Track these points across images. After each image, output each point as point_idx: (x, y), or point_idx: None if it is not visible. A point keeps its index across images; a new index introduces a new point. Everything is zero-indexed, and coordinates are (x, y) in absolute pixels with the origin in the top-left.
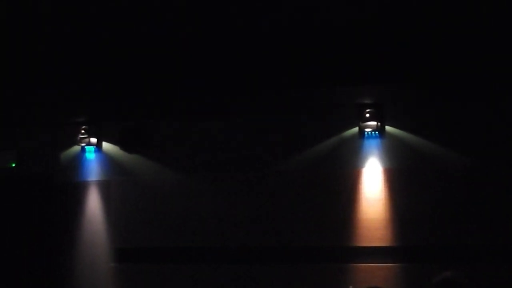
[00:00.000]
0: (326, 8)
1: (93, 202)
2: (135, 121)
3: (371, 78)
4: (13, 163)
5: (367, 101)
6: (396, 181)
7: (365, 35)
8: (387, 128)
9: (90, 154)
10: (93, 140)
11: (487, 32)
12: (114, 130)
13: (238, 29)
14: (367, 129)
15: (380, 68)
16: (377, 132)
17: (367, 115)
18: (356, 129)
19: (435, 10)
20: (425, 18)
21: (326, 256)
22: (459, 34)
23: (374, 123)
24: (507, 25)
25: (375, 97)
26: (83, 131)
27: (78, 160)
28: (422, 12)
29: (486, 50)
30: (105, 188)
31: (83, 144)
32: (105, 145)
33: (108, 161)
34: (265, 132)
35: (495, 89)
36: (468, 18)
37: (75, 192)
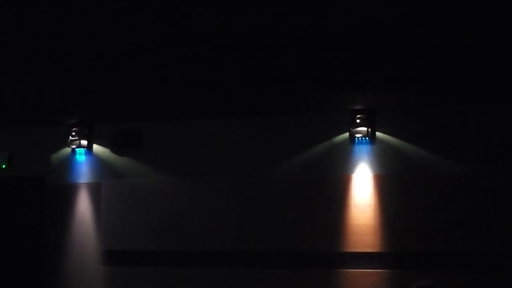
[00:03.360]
0: (320, 13)
1: (84, 204)
2: (126, 123)
3: (362, 84)
4: (4, 164)
5: (358, 106)
6: (386, 187)
7: (358, 41)
8: (378, 134)
9: (81, 156)
10: (84, 142)
11: (478, 41)
12: (105, 132)
13: (231, 32)
14: (357, 135)
15: (372, 74)
16: (367, 138)
17: (358, 120)
18: (346, 134)
19: (427, 17)
20: (417, 25)
21: (315, 262)
22: (451, 42)
23: (364, 128)
24: (498, 35)
25: (366, 103)
26: (73, 133)
27: (69, 162)
28: (415, 20)
29: (476, 58)
30: (96, 190)
31: (73, 146)
32: (96, 147)
33: (98, 163)
34: (255, 136)
35: (486, 96)
36: (460, 26)
37: (65, 194)
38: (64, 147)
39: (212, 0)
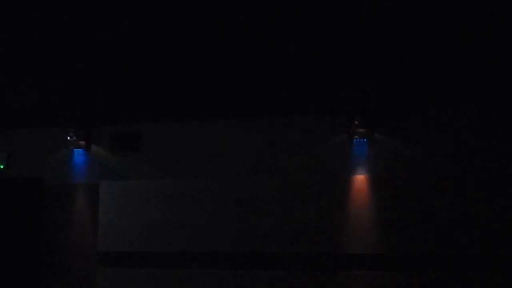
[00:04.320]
0: (320, 13)
1: (82, 205)
2: (125, 124)
3: (362, 84)
4: (3, 165)
5: (356, 108)
6: (385, 189)
7: (358, 41)
8: (376, 135)
9: (79, 157)
10: (82, 143)
11: (478, 41)
12: (103, 134)
13: (231, 32)
14: (356, 136)
15: (372, 74)
16: (365, 140)
17: (357, 122)
18: (345, 136)
19: (427, 17)
20: (417, 25)
21: (314, 263)
22: (451, 42)
23: (363, 130)
24: (498, 35)
25: (365, 104)
26: (72, 134)
27: (68, 163)
28: (415, 20)
29: (476, 58)
30: (94, 191)
31: (72, 147)
32: (94, 148)
33: (97, 164)
34: (253, 137)
35: (486, 96)
36: (460, 26)
37: (64, 195)
38: (63, 148)
39: (212, 0)
